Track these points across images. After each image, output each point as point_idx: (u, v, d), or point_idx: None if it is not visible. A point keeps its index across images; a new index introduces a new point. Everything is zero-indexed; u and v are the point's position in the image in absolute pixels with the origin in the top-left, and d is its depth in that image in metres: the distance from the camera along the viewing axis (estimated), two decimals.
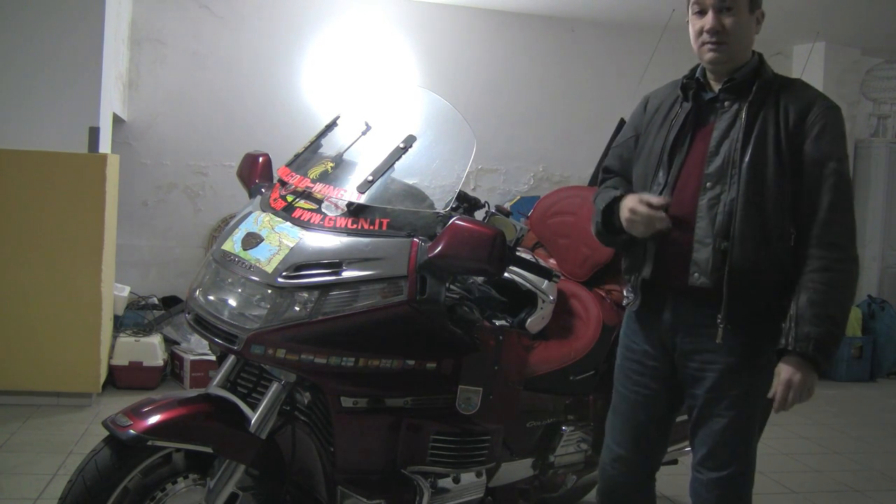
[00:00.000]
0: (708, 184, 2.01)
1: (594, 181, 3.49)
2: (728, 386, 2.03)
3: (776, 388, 1.92)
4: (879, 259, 6.64)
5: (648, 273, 2.09)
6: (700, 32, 2.03)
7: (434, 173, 2.29)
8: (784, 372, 1.91)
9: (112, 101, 4.71)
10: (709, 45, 2.02)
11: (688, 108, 2.08)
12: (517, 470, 2.61)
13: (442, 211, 2.18)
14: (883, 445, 4.56)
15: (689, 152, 2.06)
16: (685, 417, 2.78)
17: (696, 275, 2.00)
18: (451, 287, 2.46)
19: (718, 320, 1.97)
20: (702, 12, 2.02)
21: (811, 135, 1.96)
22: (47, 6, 4.27)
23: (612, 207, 2.11)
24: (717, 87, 2.07)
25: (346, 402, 2.14)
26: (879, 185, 6.61)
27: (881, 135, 6.65)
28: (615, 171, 2.29)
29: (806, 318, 1.89)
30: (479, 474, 2.40)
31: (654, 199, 2.00)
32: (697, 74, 2.11)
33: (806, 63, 6.04)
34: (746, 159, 1.96)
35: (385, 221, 2.13)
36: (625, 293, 2.27)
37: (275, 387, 2.14)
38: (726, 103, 2.05)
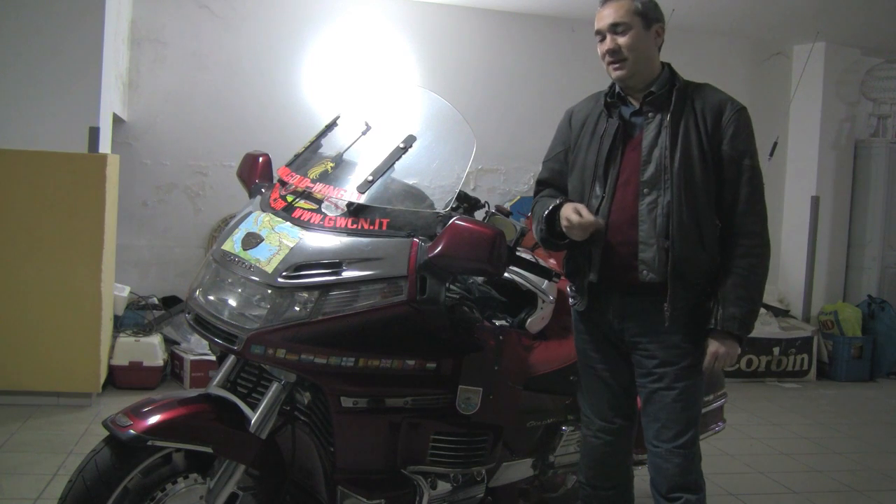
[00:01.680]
0: (645, 190, 2.22)
1: None
2: (675, 360, 2.25)
3: (709, 358, 2.23)
4: (879, 259, 6.64)
5: (595, 276, 2.29)
6: (604, 56, 2.27)
7: (434, 173, 2.29)
8: (712, 346, 2.21)
9: (112, 101, 4.71)
10: (612, 65, 2.26)
11: (616, 124, 2.28)
12: (517, 470, 2.61)
13: (442, 211, 2.18)
14: (883, 445, 4.56)
15: (622, 163, 2.26)
16: None
17: (644, 272, 2.22)
18: (451, 287, 2.46)
19: (665, 308, 2.20)
20: (602, 38, 2.26)
21: (727, 136, 2.21)
22: (47, 6, 4.27)
23: (554, 215, 2.30)
24: (636, 101, 2.28)
25: (346, 402, 2.14)
26: (879, 185, 6.61)
27: (881, 135, 6.64)
28: (549, 184, 2.48)
29: (730, 299, 2.18)
30: (479, 474, 2.39)
31: (585, 213, 2.21)
32: (618, 90, 2.31)
33: (806, 63, 6.04)
34: (676, 164, 2.18)
35: (385, 221, 2.13)
36: (570, 294, 2.44)
37: (275, 387, 2.14)
38: (650, 115, 2.25)
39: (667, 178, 2.19)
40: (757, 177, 2.23)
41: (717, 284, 2.22)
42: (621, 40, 2.22)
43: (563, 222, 2.23)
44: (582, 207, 2.22)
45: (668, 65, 2.31)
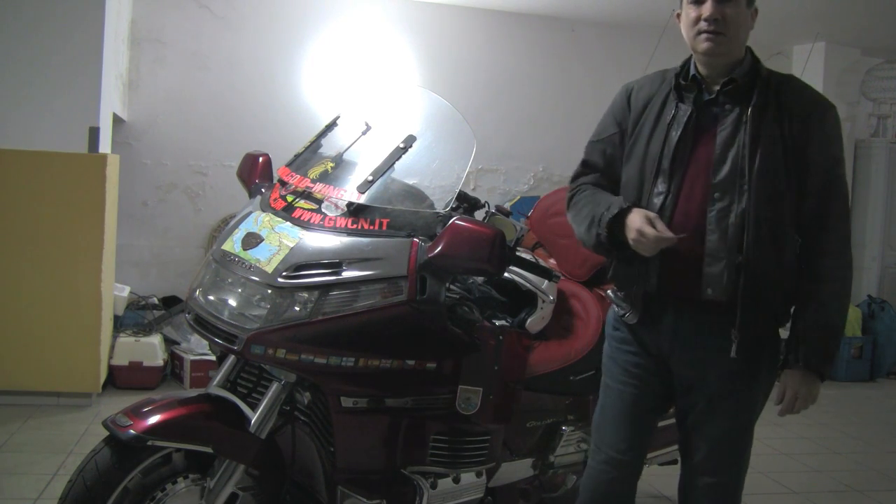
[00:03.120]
0: (716, 194, 1.93)
1: None
2: (729, 392, 2.00)
3: (784, 397, 1.97)
4: (879, 259, 6.64)
5: (654, 287, 2.00)
6: (697, 21, 1.92)
7: (434, 173, 2.29)
8: (790, 385, 1.96)
9: (112, 101, 4.71)
10: (706, 35, 1.91)
11: (689, 111, 1.98)
12: (517, 470, 2.61)
13: (442, 211, 2.18)
14: (883, 445, 4.56)
15: (691, 159, 1.96)
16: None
17: (708, 290, 1.93)
18: (451, 287, 2.46)
19: (733, 335, 1.93)
20: (699, 1, 1.93)
21: (816, 139, 1.91)
22: (47, 6, 4.27)
23: (617, 220, 1.97)
24: (713, 86, 1.98)
25: (346, 402, 2.14)
26: (879, 185, 6.61)
27: (881, 135, 6.64)
28: (597, 168, 2.16)
29: (812, 330, 1.93)
30: (479, 474, 2.40)
31: (660, 226, 1.90)
32: (693, 72, 2.00)
33: (806, 63, 6.04)
34: (756, 168, 1.88)
35: (385, 221, 2.13)
36: (616, 302, 2.15)
37: (275, 387, 2.14)
38: (727, 106, 1.95)
39: (743, 182, 1.89)
40: (846, 189, 1.96)
41: (796, 311, 1.97)
42: (727, 10, 1.89)
43: (632, 234, 1.91)
44: (656, 219, 1.91)
45: (751, 50, 2.01)
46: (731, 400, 2.01)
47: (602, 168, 2.15)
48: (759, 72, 1.97)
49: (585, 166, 2.19)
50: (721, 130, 1.94)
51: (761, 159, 1.89)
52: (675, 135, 1.97)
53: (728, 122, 1.94)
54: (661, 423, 2.73)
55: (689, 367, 2.03)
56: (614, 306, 2.16)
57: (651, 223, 1.90)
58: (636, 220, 1.92)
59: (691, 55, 2.03)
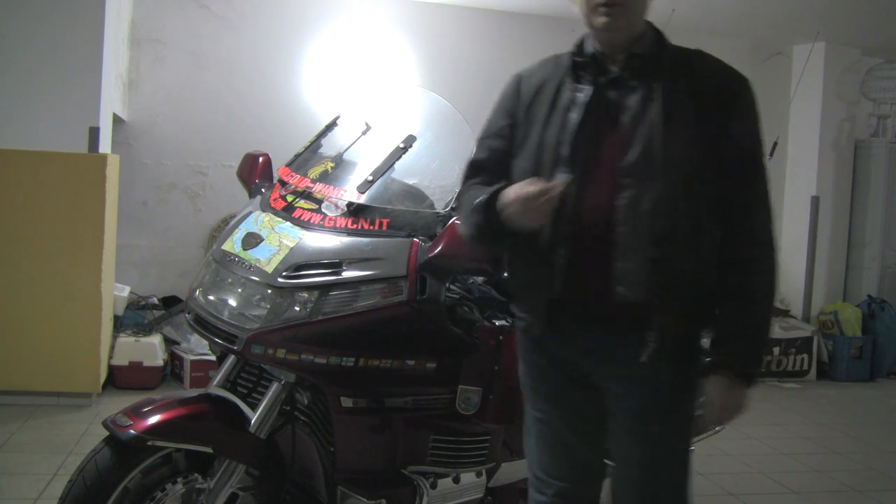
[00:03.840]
0: (626, 180, 1.65)
1: None
2: (658, 408, 1.75)
3: (710, 408, 1.72)
4: (879, 259, 6.64)
5: (559, 290, 1.71)
6: None
7: (434, 173, 2.29)
8: (717, 391, 1.70)
9: (112, 101, 4.71)
10: (602, 11, 1.70)
11: (589, 92, 1.73)
12: (517, 470, 2.61)
13: (442, 211, 2.18)
14: (883, 445, 4.56)
15: (595, 144, 1.70)
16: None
17: (620, 288, 1.65)
18: (451, 287, 2.46)
19: (649, 339, 1.66)
20: None
21: (734, 116, 1.68)
22: (47, 6, 4.27)
23: (493, 203, 1.70)
24: (612, 65, 1.75)
25: (346, 402, 2.14)
26: (879, 185, 6.61)
27: (881, 135, 6.64)
28: (485, 167, 1.86)
29: (738, 329, 1.69)
30: (479, 474, 2.40)
31: (541, 183, 1.62)
32: (592, 50, 1.77)
33: (806, 63, 6.04)
34: (670, 148, 1.63)
35: (385, 221, 2.13)
36: (516, 314, 1.88)
37: (275, 387, 2.14)
38: (632, 83, 1.70)
39: (655, 165, 1.63)
40: (765, 170, 1.72)
41: (721, 309, 1.71)
42: None
43: (513, 206, 1.64)
44: (534, 179, 1.65)
45: (652, 24, 1.80)
46: (659, 420, 1.75)
47: (491, 166, 1.85)
48: (664, 46, 1.75)
49: (473, 167, 1.88)
50: (627, 110, 1.69)
51: (674, 140, 1.63)
52: (574, 118, 1.72)
53: (634, 101, 1.68)
54: None
55: (611, 381, 1.77)
56: (517, 321, 1.89)
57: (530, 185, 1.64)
58: (512, 190, 1.66)
59: (585, 34, 1.82)
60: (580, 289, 1.71)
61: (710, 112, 1.67)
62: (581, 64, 1.78)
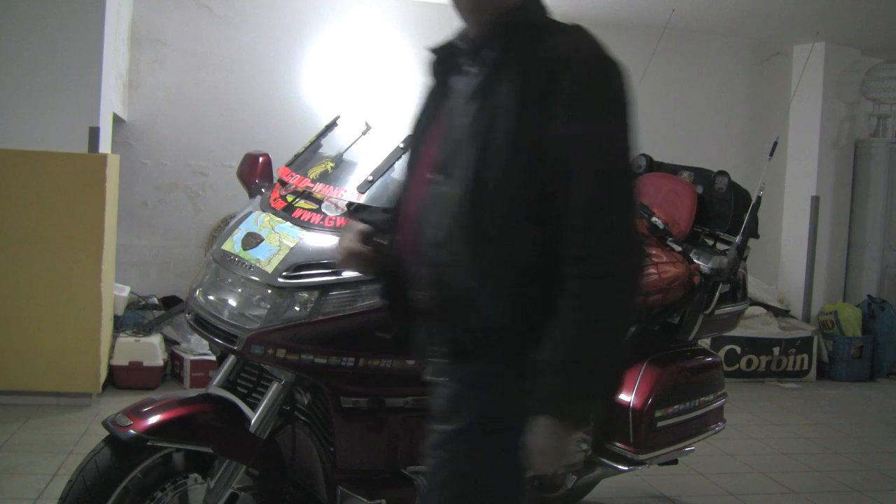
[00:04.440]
0: (436, 176, 1.50)
1: None
2: (452, 452, 1.52)
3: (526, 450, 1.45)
4: (879, 259, 6.64)
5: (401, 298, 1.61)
6: None
7: None
8: (535, 434, 1.41)
9: (112, 101, 4.71)
10: None
11: (431, 83, 1.63)
12: None
13: None
14: (883, 445, 4.56)
15: (425, 141, 1.58)
16: (684, 408, 2.78)
17: (419, 292, 1.53)
18: None
19: (438, 357, 1.51)
20: None
21: (558, 102, 1.37)
22: (47, 6, 4.27)
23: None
24: (462, 53, 1.59)
25: (346, 402, 2.14)
26: (879, 185, 6.61)
27: (881, 135, 6.64)
28: None
29: (551, 362, 1.38)
30: None
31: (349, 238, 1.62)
32: (453, 39, 1.62)
33: (806, 63, 6.04)
34: (478, 142, 1.42)
35: None
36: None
37: (275, 387, 2.14)
38: (464, 67, 1.53)
39: (461, 160, 1.44)
40: (607, 170, 1.38)
41: (543, 336, 1.40)
42: None
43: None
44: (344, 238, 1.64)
45: (534, 2, 1.55)
46: (452, 466, 1.52)
47: None
48: (519, 19, 1.49)
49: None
50: (455, 95, 1.52)
51: (486, 131, 1.42)
52: (418, 112, 1.63)
53: (462, 89, 1.51)
54: (660, 424, 2.74)
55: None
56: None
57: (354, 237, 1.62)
58: (343, 239, 1.66)
59: None
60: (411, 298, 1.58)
61: (533, 100, 1.39)
62: (440, 49, 1.62)
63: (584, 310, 1.37)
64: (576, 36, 1.46)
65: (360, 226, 1.66)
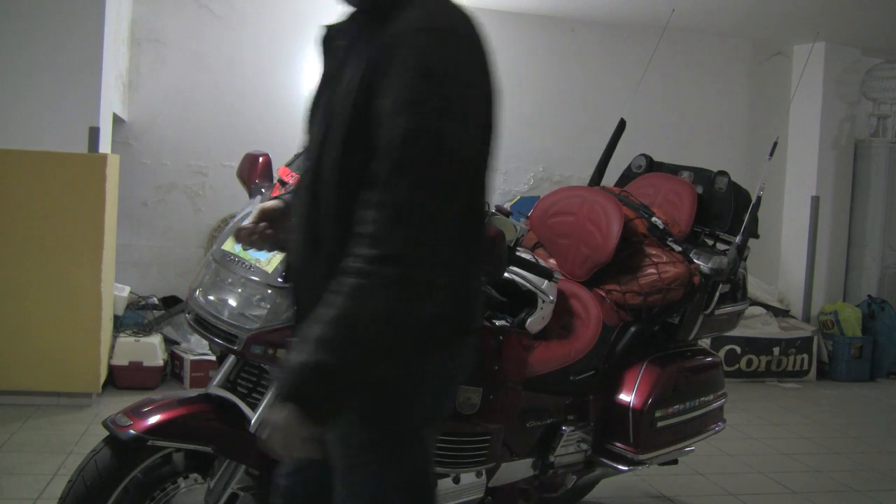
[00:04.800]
0: (305, 158, 1.49)
1: (594, 181, 3.49)
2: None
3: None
4: (879, 259, 6.65)
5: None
6: None
7: None
8: (270, 412, 1.30)
9: (112, 101, 4.71)
10: None
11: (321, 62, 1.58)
12: (517, 470, 2.61)
13: None
14: (883, 445, 4.56)
15: (310, 121, 1.54)
16: (684, 408, 2.78)
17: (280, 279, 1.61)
18: None
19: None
20: None
21: (389, 76, 1.27)
22: (47, 6, 4.27)
23: None
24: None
25: None
26: (879, 185, 6.62)
27: (881, 135, 6.65)
28: None
29: (301, 340, 1.27)
30: (479, 474, 2.39)
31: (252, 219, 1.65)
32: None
33: (806, 63, 6.05)
34: (328, 123, 1.38)
35: None
36: None
37: (275, 387, 2.14)
38: (335, 45, 1.52)
39: (313, 139, 1.43)
40: (412, 143, 1.23)
41: None
42: None
43: None
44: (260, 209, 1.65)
45: None
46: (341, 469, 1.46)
47: None
48: (387, 6, 1.36)
49: None
50: (327, 83, 1.48)
51: (334, 109, 1.38)
52: (311, 95, 1.57)
53: (330, 68, 1.50)
54: (660, 424, 2.74)
55: None
56: None
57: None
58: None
59: None
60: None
61: (369, 79, 1.32)
62: (325, 30, 1.58)
63: (354, 294, 1.23)
64: (427, 8, 1.32)
65: (269, 203, 1.63)
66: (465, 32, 1.31)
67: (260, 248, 1.65)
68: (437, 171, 1.24)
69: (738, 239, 2.97)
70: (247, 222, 1.67)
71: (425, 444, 1.47)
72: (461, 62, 1.28)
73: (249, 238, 1.65)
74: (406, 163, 1.23)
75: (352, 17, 1.47)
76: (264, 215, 1.65)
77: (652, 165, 3.43)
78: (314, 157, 1.40)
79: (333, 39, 1.51)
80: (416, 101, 1.23)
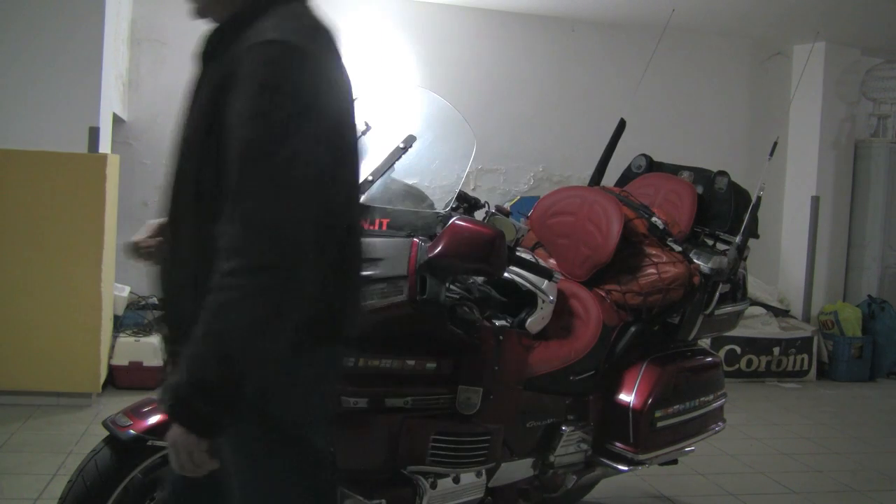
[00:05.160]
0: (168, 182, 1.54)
1: (594, 181, 3.49)
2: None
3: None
4: (879, 259, 6.65)
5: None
6: None
7: (434, 173, 2.29)
8: (170, 433, 1.32)
9: (112, 101, 4.71)
10: None
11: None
12: (517, 470, 2.61)
13: (442, 211, 2.18)
14: (883, 445, 4.56)
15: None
16: (684, 408, 2.78)
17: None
18: (451, 287, 2.46)
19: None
20: None
21: (234, 88, 1.32)
22: (47, 6, 4.27)
23: None
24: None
25: (346, 402, 2.14)
26: (879, 185, 6.62)
27: (881, 135, 6.65)
28: None
29: (184, 356, 1.30)
30: (479, 474, 2.39)
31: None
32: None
33: (806, 63, 6.05)
34: (181, 145, 1.46)
35: (385, 221, 2.13)
36: None
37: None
38: (201, 68, 1.57)
39: (176, 163, 1.48)
40: (255, 155, 1.28)
41: None
42: None
43: None
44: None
45: None
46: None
47: None
48: (242, 11, 1.46)
49: None
50: (190, 91, 1.56)
51: (186, 130, 1.47)
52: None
53: (196, 80, 1.57)
54: (660, 424, 2.74)
55: None
56: None
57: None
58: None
59: None
60: None
61: (217, 96, 1.38)
62: (204, 39, 1.61)
63: (227, 306, 1.26)
64: (275, 23, 1.36)
65: (157, 221, 1.67)
66: (309, 48, 1.34)
67: (151, 262, 1.70)
68: (282, 181, 1.27)
69: (738, 239, 2.97)
70: (137, 238, 1.74)
71: (313, 449, 1.49)
72: (304, 76, 1.32)
73: (138, 252, 1.73)
74: (251, 174, 1.27)
75: (218, 30, 1.52)
76: (155, 230, 1.72)
77: (652, 165, 3.43)
78: (174, 171, 1.45)
79: (205, 51, 1.55)
80: (257, 113, 1.28)
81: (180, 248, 1.46)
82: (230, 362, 1.26)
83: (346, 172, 1.46)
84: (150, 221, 1.73)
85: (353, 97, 1.49)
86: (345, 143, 1.44)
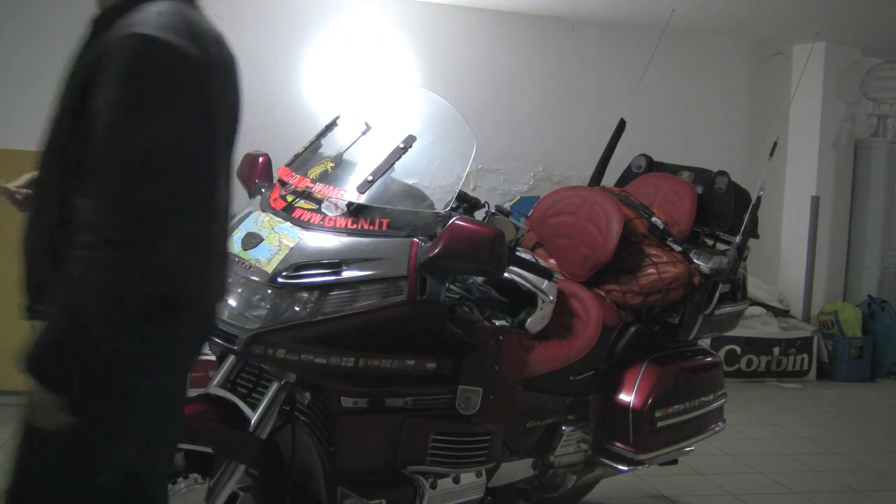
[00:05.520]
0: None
1: (594, 181, 3.49)
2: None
3: None
4: (879, 259, 6.65)
5: None
6: None
7: (434, 173, 2.29)
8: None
9: None
10: None
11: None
12: (517, 470, 2.62)
13: (442, 211, 2.18)
14: (883, 445, 4.56)
15: None
16: (684, 408, 2.79)
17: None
18: (451, 287, 2.46)
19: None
20: None
21: (100, 75, 1.42)
22: (47, 6, 4.27)
23: None
24: None
25: (346, 402, 2.14)
26: (879, 185, 6.61)
27: (881, 135, 6.65)
28: None
29: (44, 321, 1.51)
30: (479, 474, 2.40)
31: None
32: None
33: (806, 63, 6.04)
34: (53, 128, 1.56)
35: (385, 221, 2.13)
36: None
37: (275, 387, 2.14)
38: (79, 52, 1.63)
39: (48, 133, 1.57)
40: (116, 141, 1.38)
41: None
42: None
43: None
44: None
45: None
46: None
47: None
48: (121, 10, 1.49)
49: None
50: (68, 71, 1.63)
51: (56, 114, 1.57)
52: None
53: (73, 62, 1.64)
54: (660, 424, 2.74)
55: None
56: None
57: None
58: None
59: None
60: None
61: (89, 79, 1.47)
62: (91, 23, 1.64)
63: (83, 276, 1.39)
64: (145, 15, 1.44)
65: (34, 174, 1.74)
66: (176, 42, 1.41)
67: (20, 209, 1.84)
68: (137, 165, 1.38)
69: (738, 239, 2.97)
70: (14, 185, 1.87)
71: (134, 423, 1.59)
72: (166, 68, 1.41)
73: (11, 198, 1.86)
74: (110, 157, 1.38)
75: (101, 17, 1.58)
76: (29, 183, 1.86)
77: (652, 165, 3.44)
78: (44, 147, 1.55)
79: (88, 35, 1.62)
80: (120, 100, 1.38)
81: (42, 215, 1.61)
82: (82, 329, 1.41)
83: (213, 163, 1.57)
84: (34, 173, 1.76)
85: (238, 94, 1.67)
86: (215, 136, 1.55)
